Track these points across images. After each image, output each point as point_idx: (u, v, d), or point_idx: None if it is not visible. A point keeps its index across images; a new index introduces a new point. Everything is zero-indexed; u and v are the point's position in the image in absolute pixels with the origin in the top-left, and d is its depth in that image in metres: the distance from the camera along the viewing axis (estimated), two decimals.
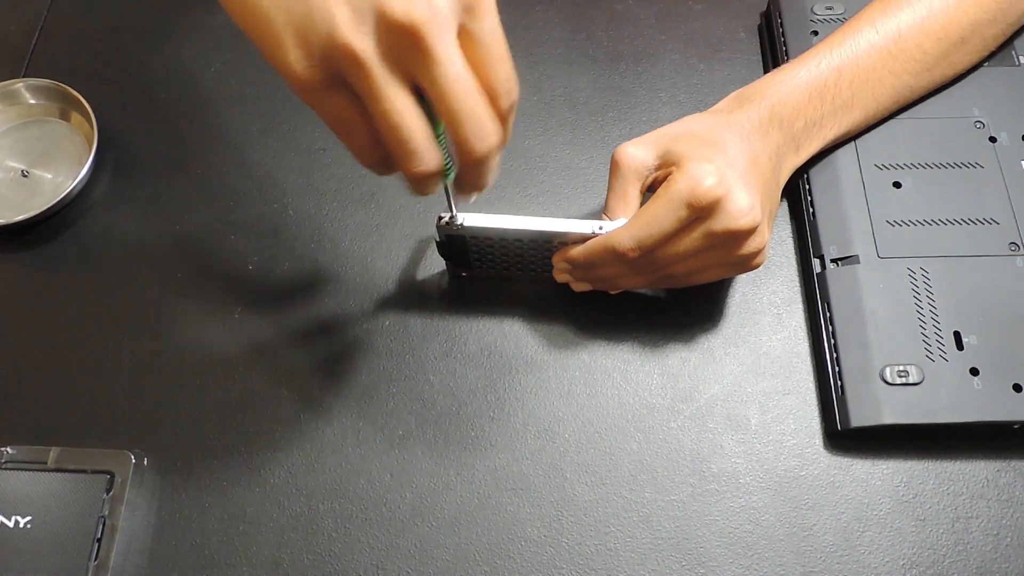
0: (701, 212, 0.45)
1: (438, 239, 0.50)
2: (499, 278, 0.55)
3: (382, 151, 0.37)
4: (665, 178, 0.46)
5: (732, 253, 0.47)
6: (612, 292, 0.52)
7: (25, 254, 0.58)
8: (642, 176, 0.48)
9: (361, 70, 0.34)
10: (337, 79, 0.35)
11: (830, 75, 0.52)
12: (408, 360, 0.53)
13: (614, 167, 0.49)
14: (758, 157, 0.48)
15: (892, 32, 0.52)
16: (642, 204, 0.48)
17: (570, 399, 0.52)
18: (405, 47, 0.34)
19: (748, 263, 0.48)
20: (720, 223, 0.45)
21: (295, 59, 0.34)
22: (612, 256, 0.47)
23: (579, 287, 0.52)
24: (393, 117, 0.35)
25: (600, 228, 0.47)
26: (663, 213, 0.45)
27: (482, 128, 0.36)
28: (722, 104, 0.52)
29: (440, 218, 0.48)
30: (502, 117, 0.37)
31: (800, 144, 0.52)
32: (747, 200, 0.45)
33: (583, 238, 0.48)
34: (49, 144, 0.61)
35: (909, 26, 0.53)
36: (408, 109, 0.35)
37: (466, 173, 0.38)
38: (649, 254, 0.47)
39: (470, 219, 0.47)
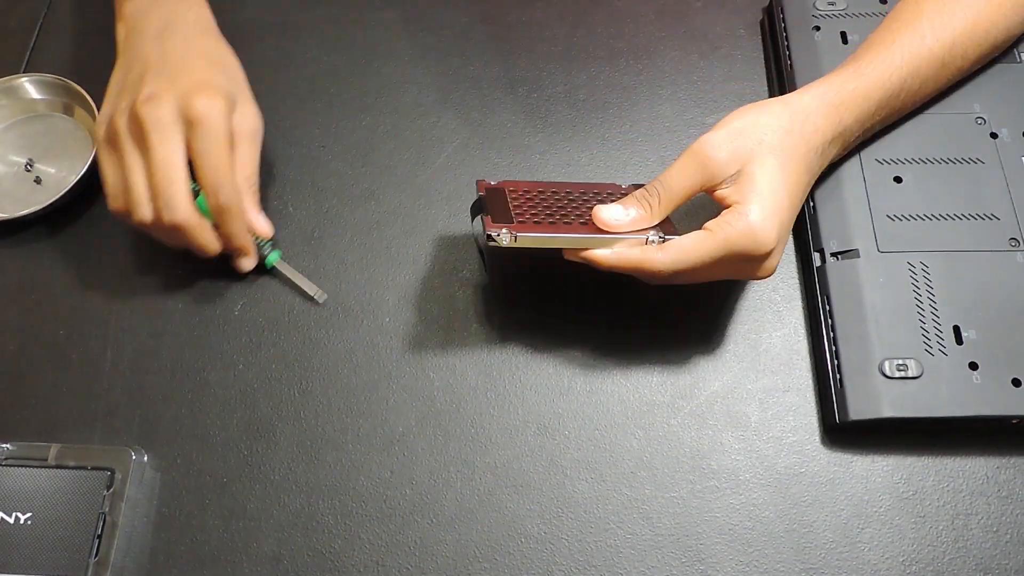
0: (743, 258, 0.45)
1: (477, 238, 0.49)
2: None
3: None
4: (724, 203, 0.46)
5: (743, 272, 0.48)
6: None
7: (28, 249, 0.58)
8: (714, 180, 0.46)
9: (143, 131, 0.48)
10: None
11: (895, 89, 0.51)
12: (408, 357, 0.53)
13: (694, 158, 0.46)
14: (808, 185, 0.49)
15: (947, 40, 0.52)
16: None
17: (570, 396, 0.52)
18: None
19: (752, 278, 0.48)
20: (748, 257, 0.45)
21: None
22: (642, 272, 0.46)
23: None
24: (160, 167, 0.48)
25: (652, 238, 0.46)
26: (709, 252, 0.45)
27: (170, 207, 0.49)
28: (807, 105, 0.49)
29: (489, 236, 0.45)
30: (218, 209, 0.50)
31: (845, 151, 0.53)
32: (776, 237, 0.45)
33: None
34: (53, 139, 0.61)
35: (960, 33, 0.52)
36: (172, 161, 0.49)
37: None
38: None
39: (521, 238, 0.45)
